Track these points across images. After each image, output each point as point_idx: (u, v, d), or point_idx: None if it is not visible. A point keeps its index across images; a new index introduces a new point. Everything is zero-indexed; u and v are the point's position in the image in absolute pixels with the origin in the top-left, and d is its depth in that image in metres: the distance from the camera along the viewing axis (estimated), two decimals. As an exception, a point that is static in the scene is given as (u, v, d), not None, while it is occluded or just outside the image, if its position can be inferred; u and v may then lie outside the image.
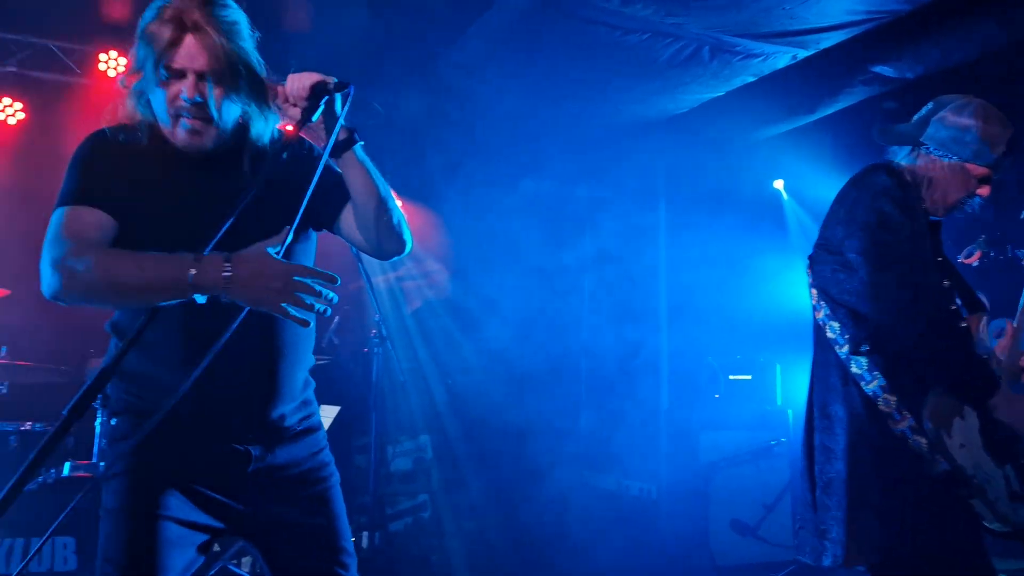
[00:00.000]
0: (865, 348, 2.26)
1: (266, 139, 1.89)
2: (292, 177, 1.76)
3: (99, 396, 3.92)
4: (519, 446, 6.13)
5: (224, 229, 1.57)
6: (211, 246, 1.57)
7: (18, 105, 5.32)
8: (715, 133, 5.36)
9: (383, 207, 1.91)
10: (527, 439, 6.15)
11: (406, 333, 6.21)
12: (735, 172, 5.61)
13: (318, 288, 1.60)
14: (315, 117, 1.76)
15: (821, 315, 2.39)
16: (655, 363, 5.97)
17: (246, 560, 4.22)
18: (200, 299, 1.63)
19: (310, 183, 1.66)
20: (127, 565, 1.78)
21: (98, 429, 3.95)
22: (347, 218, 1.99)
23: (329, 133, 1.78)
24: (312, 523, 1.93)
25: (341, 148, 1.86)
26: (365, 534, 4.72)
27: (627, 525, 5.42)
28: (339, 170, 1.91)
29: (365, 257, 4.19)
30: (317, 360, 2.15)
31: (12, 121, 5.31)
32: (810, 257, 2.46)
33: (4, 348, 4.13)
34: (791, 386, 5.44)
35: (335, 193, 1.95)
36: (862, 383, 2.27)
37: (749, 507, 4.96)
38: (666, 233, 6.04)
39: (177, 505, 1.83)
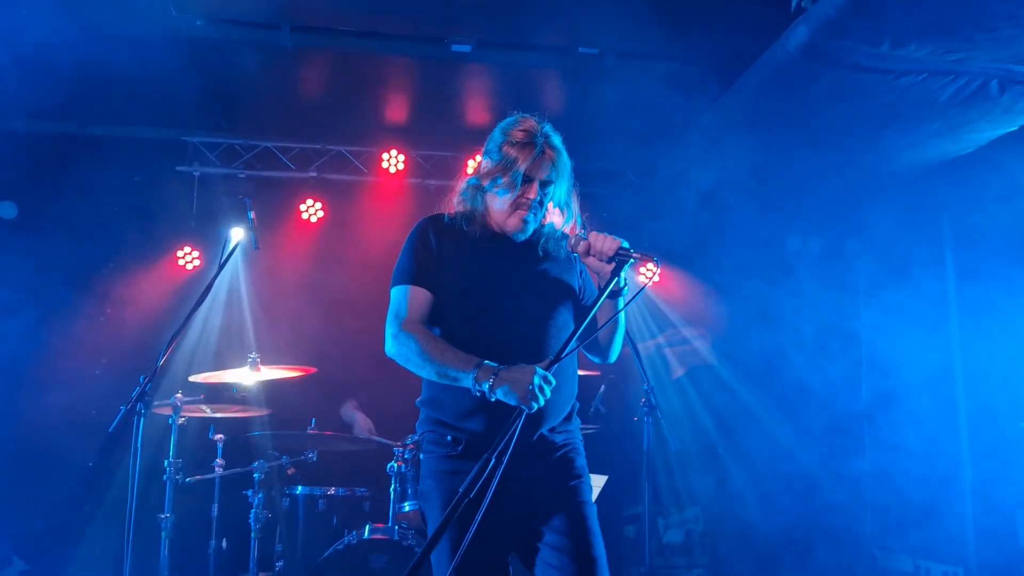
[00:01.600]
0: None
1: (556, 235, 2.61)
2: (565, 267, 2.62)
3: (395, 461, 4.25)
4: (797, 519, 5.74)
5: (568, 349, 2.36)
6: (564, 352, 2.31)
7: (318, 205, 6.07)
8: (1012, 171, 4.81)
9: (612, 337, 2.62)
10: (806, 512, 5.75)
11: (671, 400, 6.11)
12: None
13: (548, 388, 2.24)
14: (621, 281, 2.43)
15: None
16: (952, 429, 5.36)
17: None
18: (474, 390, 2.28)
19: (575, 278, 2.63)
20: None
21: (392, 496, 4.26)
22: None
23: (620, 288, 2.46)
24: (568, 534, 2.36)
25: (615, 294, 2.48)
26: (641, 608, 4.62)
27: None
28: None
29: (630, 324, 4.24)
30: (584, 429, 2.69)
31: (314, 219, 6.06)
32: None
33: (313, 420, 4.61)
34: None
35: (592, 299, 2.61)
36: None
37: (1089, 600, 4.25)
38: (955, 286, 5.45)
39: (489, 528, 2.15)
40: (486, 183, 2.54)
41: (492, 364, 2.28)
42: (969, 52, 3.76)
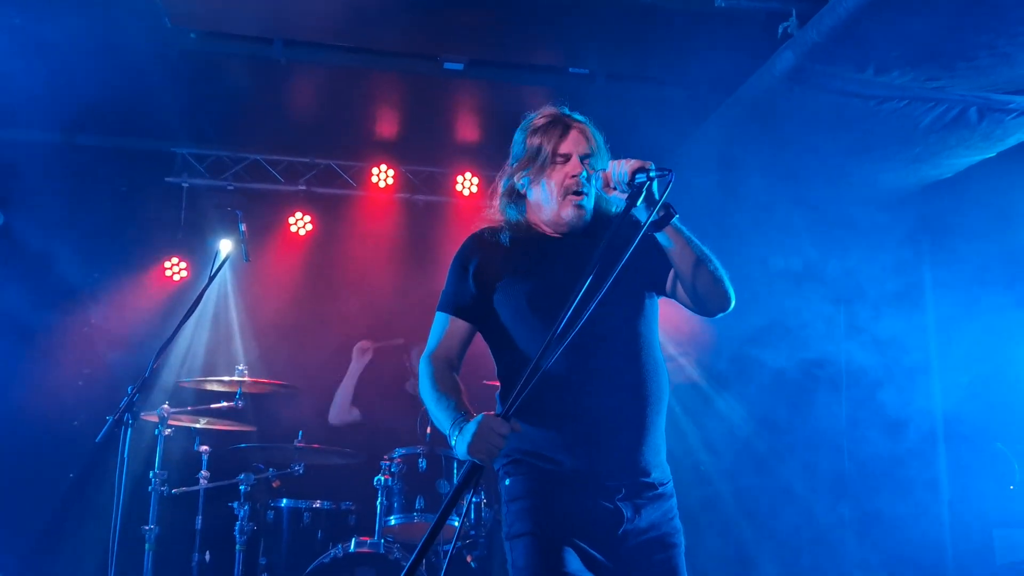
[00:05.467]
0: None
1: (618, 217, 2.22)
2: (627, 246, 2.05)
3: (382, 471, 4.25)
4: (775, 541, 5.78)
5: (571, 309, 1.90)
6: (561, 323, 1.89)
7: (307, 218, 6.08)
8: (989, 197, 4.93)
9: (700, 268, 2.17)
10: (783, 533, 5.79)
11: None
12: (1021, 237, 5.09)
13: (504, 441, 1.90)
14: (639, 202, 2.05)
15: None
16: (929, 450, 5.43)
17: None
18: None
19: (635, 252, 1.99)
20: None
21: (379, 509, 4.26)
22: (673, 281, 2.29)
23: (650, 212, 2.07)
24: None
25: (662, 223, 2.13)
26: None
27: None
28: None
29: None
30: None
31: (302, 232, 6.07)
32: None
33: (300, 432, 4.61)
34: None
35: (658, 260, 2.22)
36: None
37: (1064, 618, 4.32)
38: (934, 308, 5.56)
39: (574, 563, 2.04)
40: (519, 181, 2.32)
41: (463, 417, 2.02)
42: (949, 80, 3.87)
